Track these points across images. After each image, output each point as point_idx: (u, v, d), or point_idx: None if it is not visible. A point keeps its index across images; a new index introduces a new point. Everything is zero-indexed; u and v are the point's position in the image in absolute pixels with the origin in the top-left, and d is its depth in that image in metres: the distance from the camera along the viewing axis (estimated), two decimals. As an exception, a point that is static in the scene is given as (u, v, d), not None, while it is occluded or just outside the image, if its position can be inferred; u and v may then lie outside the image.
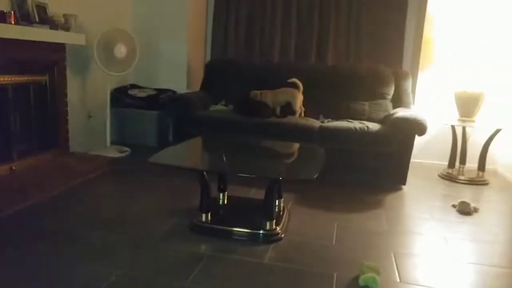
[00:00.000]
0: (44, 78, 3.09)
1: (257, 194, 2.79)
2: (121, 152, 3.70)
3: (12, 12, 2.61)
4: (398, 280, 1.78)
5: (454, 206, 2.75)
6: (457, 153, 3.59)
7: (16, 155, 2.85)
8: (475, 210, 2.68)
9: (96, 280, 1.65)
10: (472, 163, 3.56)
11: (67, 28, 3.11)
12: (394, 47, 3.96)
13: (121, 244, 1.98)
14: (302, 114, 3.54)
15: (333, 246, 2.10)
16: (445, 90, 3.77)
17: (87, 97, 3.70)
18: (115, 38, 3.59)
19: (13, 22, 2.59)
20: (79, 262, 1.78)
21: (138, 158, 3.64)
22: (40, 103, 3.08)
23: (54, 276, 1.67)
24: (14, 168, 2.79)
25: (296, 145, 2.63)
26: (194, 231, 2.15)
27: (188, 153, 2.37)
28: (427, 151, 3.90)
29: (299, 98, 3.53)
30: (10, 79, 2.76)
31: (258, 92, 3.57)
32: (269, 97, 3.55)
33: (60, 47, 3.16)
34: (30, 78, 2.95)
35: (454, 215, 2.64)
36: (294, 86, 3.55)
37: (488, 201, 2.99)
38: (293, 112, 3.46)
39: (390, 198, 2.92)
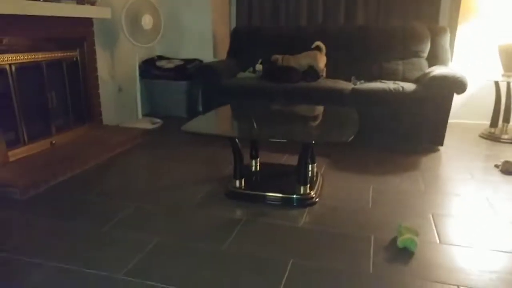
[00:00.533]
0: (75, 53, 3.13)
1: (289, 160, 2.78)
2: (153, 123, 3.76)
3: (40, -12, 2.62)
4: (437, 241, 1.75)
5: (497, 166, 2.63)
6: (501, 111, 3.40)
7: (54, 129, 2.95)
8: (520, 169, 2.55)
9: (137, 246, 1.71)
10: (516, 121, 3.37)
11: (93, 2, 3.11)
12: (429, 0, 3.71)
13: (159, 212, 2.04)
14: (324, 75, 3.44)
15: (369, 209, 2.07)
16: (486, 45, 3.53)
17: (116, 70, 3.75)
18: (142, 9, 3.57)
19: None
20: (120, 230, 1.85)
21: (170, 129, 3.69)
22: (72, 79, 3.14)
23: (96, 244, 1.74)
24: (54, 142, 2.90)
25: (329, 109, 2.56)
26: (229, 197, 2.18)
27: (219, 121, 2.37)
28: (467, 111, 3.72)
29: (322, 60, 3.46)
30: (43, 56, 2.82)
31: (280, 56, 3.51)
32: (292, 61, 3.49)
33: (87, 22, 3.18)
34: (62, 54, 3.00)
35: (497, 175, 2.53)
36: (317, 49, 3.48)
37: (533, 160, 2.83)
38: (317, 75, 3.36)
39: (426, 160, 2.83)
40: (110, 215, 2.00)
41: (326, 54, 3.50)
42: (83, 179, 2.49)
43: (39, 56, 2.79)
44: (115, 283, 1.46)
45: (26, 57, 2.68)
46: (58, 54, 2.97)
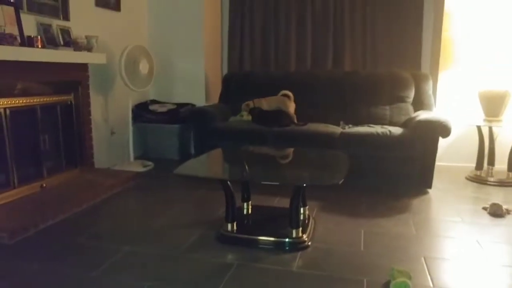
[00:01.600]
0: (70, 97, 3.19)
1: (281, 202, 2.79)
2: (145, 166, 3.77)
3: (39, 36, 2.73)
4: (431, 285, 1.74)
5: (485, 208, 2.67)
6: (485, 154, 3.50)
7: (46, 172, 2.94)
8: (508, 212, 2.59)
9: (127, 291, 1.67)
10: (501, 164, 3.46)
11: (89, 49, 3.22)
12: (412, 50, 3.94)
13: (150, 257, 2.00)
14: (295, 121, 3.54)
15: (362, 252, 2.07)
16: (467, 90, 3.70)
17: (109, 114, 3.80)
18: (139, 55, 3.68)
19: (40, 46, 2.71)
20: (110, 275, 1.81)
21: (161, 171, 3.70)
22: (66, 122, 3.17)
23: (87, 288, 1.70)
24: (44, 185, 2.88)
25: (319, 152, 2.62)
26: (220, 241, 2.16)
27: (211, 163, 2.40)
28: (452, 154, 3.81)
29: (291, 106, 3.63)
30: (38, 100, 2.87)
31: (250, 101, 3.66)
32: (264, 104, 3.64)
33: (83, 67, 3.27)
34: (57, 98, 3.05)
35: (486, 217, 2.56)
36: (285, 96, 3.66)
37: (520, 202, 2.89)
38: (290, 119, 3.46)
39: (416, 202, 2.87)
40: (100, 259, 1.96)
41: (297, 99, 3.65)
42: (74, 222, 2.46)
43: (34, 100, 2.84)
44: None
45: (21, 101, 2.72)
46: (53, 98, 3.03)
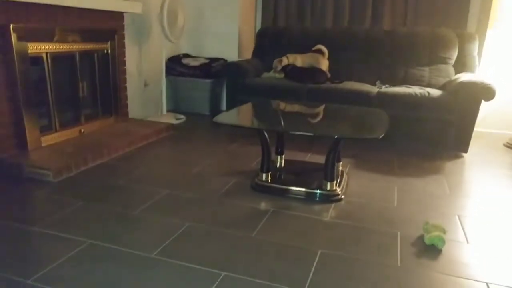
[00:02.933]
0: (106, 46, 3.22)
1: (313, 158, 2.80)
2: (177, 119, 3.82)
3: (77, -19, 2.72)
4: (465, 241, 1.74)
5: (523, 173, 2.61)
6: (526, 121, 3.37)
7: (83, 118, 3.03)
8: (547, 178, 2.53)
9: (169, 229, 1.75)
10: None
11: (125, -3, 3.20)
12: (458, 6, 3.70)
13: (188, 200, 2.08)
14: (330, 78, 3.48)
15: (395, 207, 2.07)
16: (513, 54, 3.50)
17: (143, 66, 3.83)
18: (176, 6, 3.64)
19: (78, -9, 2.70)
20: (151, 214, 1.89)
21: (193, 125, 3.75)
22: (102, 71, 3.23)
23: (128, 225, 1.79)
24: (82, 130, 2.98)
25: (357, 108, 2.58)
26: (255, 189, 2.21)
27: (246, 115, 2.41)
28: (491, 120, 3.68)
29: (324, 63, 3.54)
30: (77, 46, 2.91)
31: (285, 57, 3.58)
32: (298, 59, 3.57)
33: (119, 16, 3.27)
34: (94, 46, 3.08)
35: (523, 182, 2.51)
36: (319, 52, 3.57)
37: (560, 170, 2.81)
38: (324, 76, 3.40)
39: (450, 165, 2.82)
40: (140, 199, 2.05)
41: (333, 57, 3.57)
42: (113, 166, 2.55)
43: (74, 46, 2.88)
44: (147, 262, 1.50)
45: (61, 46, 2.76)
46: (91, 46, 3.06)
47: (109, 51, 3.26)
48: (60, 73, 2.81)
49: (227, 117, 2.19)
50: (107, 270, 1.44)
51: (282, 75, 3.58)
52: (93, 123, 3.13)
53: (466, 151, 3.04)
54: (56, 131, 2.78)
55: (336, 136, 1.98)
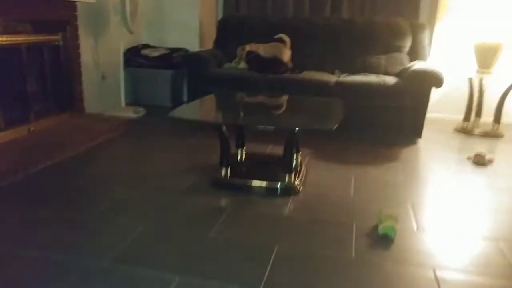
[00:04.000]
0: (57, 38, 3.07)
1: (274, 150, 2.83)
2: (136, 112, 3.73)
3: (22, -31, 2.56)
4: (415, 229, 1.84)
5: (469, 158, 2.76)
6: (473, 106, 3.54)
7: (33, 116, 2.89)
8: (490, 161, 2.69)
9: (124, 232, 1.73)
10: (488, 116, 3.52)
11: (76, -14, 3.05)
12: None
13: (144, 200, 2.05)
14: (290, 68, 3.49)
15: (351, 197, 2.15)
16: (463, 42, 3.65)
17: (100, 58, 3.69)
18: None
19: (23, -20, 2.55)
20: (104, 217, 1.86)
21: (153, 118, 3.68)
22: (54, 64, 3.08)
23: (82, 231, 1.75)
24: (32, 128, 2.84)
25: (314, 99, 2.62)
26: (214, 186, 2.21)
27: (205, 108, 2.39)
28: (443, 105, 3.85)
29: (286, 53, 3.54)
30: (24, 38, 2.74)
31: (247, 45, 3.55)
32: (261, 50, 3.55)
33: (71, 6, 3.11)
34: (43, 37, 2.93)
35: (469, 166, 2.65)
36: (281, 41, 3.56)
37: (503, 153, 2.99)
38: (284, 67, 3.41)
39: (406, 151, 2.94)
40: (94, 202, 2.00)
41: (294, 46, 3.56)
42: (65, 167, 2.47)
43: (19, 38, 2.72)
44: (98, 272, 1.47)
45: (4, 39, 2.60)
46: (39, 38, 2.91)
47: (60, 43, 3.12)
48: (4, 67, 2.65)
49: (184, 111, 2.16)
50: (55, 285, 1.40)
51: (245, 66, 3.55)
52: (45, 120, 2.99)
53: (420, 136, 3.18)
54: (1, 130, 2.62)
55: (290, 129, 2.00)
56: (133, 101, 4.10)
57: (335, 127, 1.88)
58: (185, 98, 4.19)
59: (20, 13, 2.67)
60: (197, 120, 2.16)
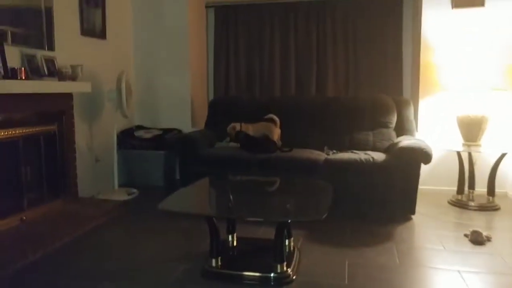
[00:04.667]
0: (54, 127, 3.16)
1: (266, 232, 2.77)
2: (129, 194, 3.73)
3: (23, 68, 2.72)
4: (414, 321, 1.75)
5: (466, 235, 2.71)
6: (465, 178, 3.57)
7: (26, 204, 2.89)
8: (488, 239, 2.64)
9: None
10: (481, 187, 3.53)
11: (74, 78, 3.22)
12: (393, 76, 4.06)
13: (133, 295, 1.98)
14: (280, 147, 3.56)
15: (346, 286, 2.07)
16: (447, 116, 3.77)
17: (94, 141, 3.78)
18: (129, 79, 3.71)
19: (24, 77, 2.69)
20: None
21: (146, 199, 3.67)
22: (49, 152, 3.14)
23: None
24: (24, 218, 2.82)
25: (303, 183, 2.65)
26: (205, 277, 2.14)
27: (195, 197, 2.40)
28: (435, 177, 3.86)
29: (276, 132, 3.66)
30: (21, 131, 2.84)
31: (238, 124, 3.66)
32: (250, 129, 3.66)
33: (68, 97, 3.26)
34: (40, 128, 3.02)
35: (467, 245, 2.60)
36: (271, 121, 3.69)
37: (500, 228, 2.96)
38: (275, 146, 3.51)
39: (400, 229, 2.90)
40: (81, 301, 1.93)
41: (282, 125, 3.69)
42: (55, 259, 2.41)
43: (17, 131, 2.81)
44: None
45: (2, 133, 2.68)
46: (36, 129, 3.00)
47: (56, 132, 3.21)
48: (1, 160, 2.70)
49: (172, 203, 2.16)
50: None
51: (237, 145, 3.63)
52: (38, 209, 2.97)
53: (413, 213, 3.15)
54: (-8, 222, 2.61)
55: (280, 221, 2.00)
56: (126, 182, 4.12)
57: (324, 216, 1.88)
58: (178, 177, 4.22)
59: (22, 108, 2.78)
60: (186, 213, 2.15)
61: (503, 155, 3.38)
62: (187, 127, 4.32)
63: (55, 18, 3.17)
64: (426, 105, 3.87)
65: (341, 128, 3.73)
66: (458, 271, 2.22)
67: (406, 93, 4.05)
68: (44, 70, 3.04)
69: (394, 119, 3.69)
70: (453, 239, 2.71)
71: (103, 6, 3.84)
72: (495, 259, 2.38)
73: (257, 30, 4.32)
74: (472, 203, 3.41)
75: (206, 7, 4.58)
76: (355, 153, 3.36)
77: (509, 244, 2.64)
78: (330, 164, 3.19)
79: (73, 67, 3.22)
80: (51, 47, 3.16)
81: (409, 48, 4.13)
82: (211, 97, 4.59)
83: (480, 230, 2.66)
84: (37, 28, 3.03)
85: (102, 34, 3.84)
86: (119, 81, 3.65)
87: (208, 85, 4.73)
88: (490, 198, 3.43)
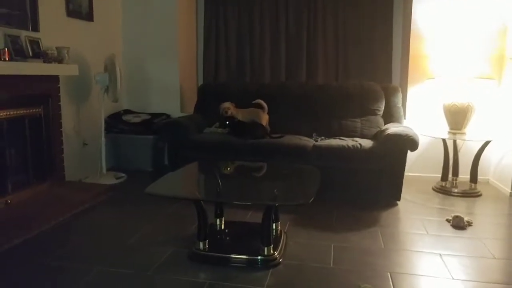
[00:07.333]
0: (39, 110, 3.11)
1: (254, 216, 2.81)
2: (117, 178, 3.72)
3: (6, 49, 2.66)
4: (395, 301, 1.81)
5: (448, 220, 2.78)
6: (450, 165, 3.64)
7: (11, 187, 2.85)
8: (469, 223, 2.71)
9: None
10: (465, 174, 3.61)
11: (60, 60, 3.16)
12: (382, 63, 4.07)
13: (121, 276, 1.99)
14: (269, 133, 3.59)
15: (331, 268, 2.12)
16: (434, 103, 3.81)
17: (81, 125, 3.73)
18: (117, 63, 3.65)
19: (7, 59, 2.64)
20: (79, 298, 1.79)
21: (134, 183, 3.66)
22: (35, 135, 3.10)
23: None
24: (9, 201, 2.79)
25: (291, 168, 2.67)
26: (192, 260, 2.17)
27: (184, 181, 2.41)
28: (420, 164, 3.93)
29: (264, 118, 3.66)
30: (5, 113, 2.79)
31: (231, 104, 3.63)
32: (240, 115, 3.66)
33: (53, 79, 3.20)
34: (25, 111, 2.97)
35: (448, 230, 2.67)
36: (259, 106, 3.68)
37: (481, 214, 3.04)
38: (265, 132, 3.54)
39: (385, 215, 2.96)
40: (68, 281, 1.93)
41: (271, 111, 3.69)
42: (41, 241, 2.40)
43: (1, 114, 2.76)
44: None
45: (-16, 115, 2.64)
46: (21, 111, 2.95)
47: (42, 115, 3.16)
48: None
49: (159, 187, 2.17)
50: None
51: (225, 130, 3.63)
52: (23, 192, 2.94)
53: (399, 199, 3.21)
54: (-24, 205, 2.58)
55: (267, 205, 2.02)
56: (114, 166, 4.10)
57: (311, 200, 1.91)
58: (166, 162, 4.21)
59: (4, 89, 2.72)
60: (173, 196, 2.16)
61: (486, 143, 3.45)
62: (176, 112, 4.29)
63: (40, -2, 3.10)
64: (414, 93, 3.90)
65: (329, 114, 3.75)
66: (440, 255, 2.29)
67: (395, 81, 4.08)
68: (29, 51, 2.98)
69: (382, 106, 3.72)
70: (436, 224, 2.78)
71: (90, -14, 3.75)
72: (475, 243, 2.45)
73: (247, 16, 4.28)
74: (455, 190, 3.48)
75: (196, -10, 4.51)
76: (342, 139, 3.39)
77: (489, 229, 2.71)
78: (318, 151, 3.22)
79: (59, 49, 3.16)
80: (35, 28, 3.09)
81: (399, 36, 4.14)
82: (201, 82, 4.56)
83: (461, 215, 2.73)
84: (21, 8, 2.95)
85: (89, 16, 3.75)
86: (111, 64, 3.58)
87: (197, 70, 4.68)
88: (473, 185, 3.51)
